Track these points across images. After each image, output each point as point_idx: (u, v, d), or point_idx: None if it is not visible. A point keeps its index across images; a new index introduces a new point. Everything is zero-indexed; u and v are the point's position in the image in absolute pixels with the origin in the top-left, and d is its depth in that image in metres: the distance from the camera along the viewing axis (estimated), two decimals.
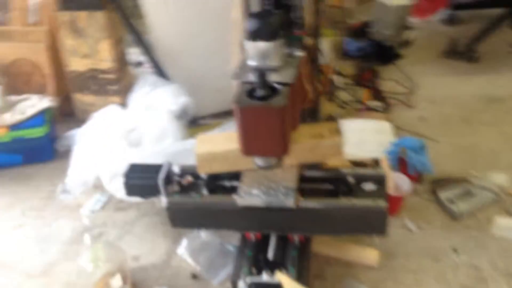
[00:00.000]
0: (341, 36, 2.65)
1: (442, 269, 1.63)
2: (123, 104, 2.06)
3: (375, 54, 2.57)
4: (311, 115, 1.68)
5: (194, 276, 1.65)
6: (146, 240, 1.78)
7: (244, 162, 1.51)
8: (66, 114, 2.24)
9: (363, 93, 2.38)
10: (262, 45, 1.29)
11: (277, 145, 1.32)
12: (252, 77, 1.31)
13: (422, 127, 2.16)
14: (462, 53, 2.63)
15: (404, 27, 2.52)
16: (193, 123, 2.15)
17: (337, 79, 2.42)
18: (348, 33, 2.68)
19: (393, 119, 2.22)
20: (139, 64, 2.43)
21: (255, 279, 1.42)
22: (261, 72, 1.27)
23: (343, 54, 2.65)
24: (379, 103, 2.33)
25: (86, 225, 1.84)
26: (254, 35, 1.28)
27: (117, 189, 1.79)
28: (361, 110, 2.29)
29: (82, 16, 1.95)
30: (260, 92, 1.28)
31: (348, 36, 2.66)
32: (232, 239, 1.73)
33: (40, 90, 2.14)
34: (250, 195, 1.47)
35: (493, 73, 2.52)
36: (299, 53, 1.40)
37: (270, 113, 1.26)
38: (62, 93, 2.19)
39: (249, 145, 1.34)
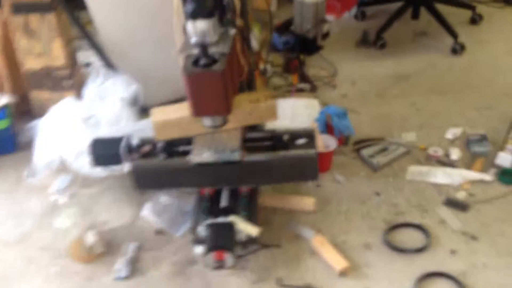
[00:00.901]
0: (268, 33, 2.90)
1: (367, 209, 1.89)
2: (78, 97, 2.20)
3: (299, 46, 2.83)
4: (248, 87, 1.91)
5: (159, 232, 1.82)
6: (112, 209, 1.93)
7: (194, 128, 1.71)
8: (23, 113, 2.33)
9: (292, 78, 2.64)
10: (201, 23, 1.50)
11: (221, 104, 1.53)
12: (194, 51, 1.52)
13: (344, 102, 2.43)
14: (372, 42, 2.95)
15: (321, 21, 2.80)
16: (143, 111, 2.30)
17: (269, 68, 2.67)
18: (274, 30, 2.94)
19: (319, 97, 2.49)
20: (88, 64, 2.56)
21: (212, 221, 1.61)
22: (202, 45, 1.48)
23: (272, 48, 2.91)
24: (307, 85, 2.60)
25: (54, 201, 1.96)
26: (194, 15, 1.49)
27: (82, 166, 1.92)
28: (291, 91, 2.54)
29: (34, 19, 2.08)
30: (202, 61, 1.49)
31: (275, 32, 2.92)
32: (189, 201, 1.92)
33: None
34: (202, 154, 1.67)
35: (399, 56, 2.84)
36: (232, 30, 1.63)
37: (213, 76, 1.47)
38: (18, 92, 2.29)
39: (198, 107, 1.54)
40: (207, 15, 1.48)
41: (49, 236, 1.82)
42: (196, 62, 1.49)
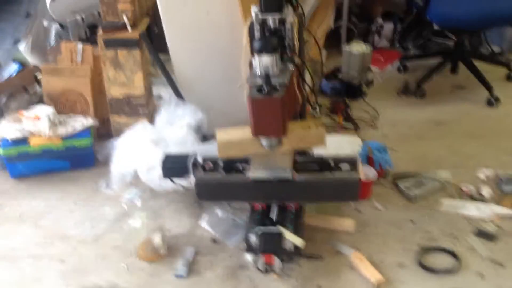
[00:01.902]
0: (317, 80, 3.11)
1: (402, 234, 2.00)
2: (151, 123, 2.45)
3: (345, 91, 3.03)
4: (300, 118, 2.10)
5: (214, 241, 1.99)
6: (174, 219, 2.11)
7: (253, 148, 1.89)
8: (102, 136, 2.60)
9: (338, 118, 2.82)
10: (266, 57, 1.72)
11: (278, 126, 1.71)
12: (259, 81, 1.74)
13: (385, 141, 2.54)
14: (413, 91, 3.11)
15: (366, 69, 3.00)
16: (204, 139, 2.52)
17: (318, 109, 2.86)
18: (323, 77, 3.15)
19: (362, 136, 2.65)
20: (159, 97, 2.84)
21: (263, 229, 1.76)
22: (266, 75, 1.69)
23: (320, 92, 3.11)
24: (351, 125, 2.77)
25: (126, 210, 2.17)
26: (260, 51, 1.72)
27: (151, 180, 2.14)
28: (337, 129, 2.72)
29: (122, 53, 2.37)
30: (265, 89, 1.70)
31: (323, 78, 3.13)
32: (241, 216, 2.09)
33: (83, 114, 2.53)
34: (258, 171, 1.85)
35: (437, 105, 2.98)
36: (291, 66, 1.84)
37: (273, 101, 1.67)
38: (100, 116, 2.58)
39: (258, 128, 1.73)
40: (271, 51, 1.70)
41: (120, 238, 2.02)
42: (259, 90, 1.70)
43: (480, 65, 3.10)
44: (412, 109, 2.96)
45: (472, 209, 2.07)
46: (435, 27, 3.44)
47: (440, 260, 1.85)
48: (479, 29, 3.22)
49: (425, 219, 2.06)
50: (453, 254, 1.86)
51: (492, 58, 3.37)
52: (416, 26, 3.70)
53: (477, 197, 2.15)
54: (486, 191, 2.16)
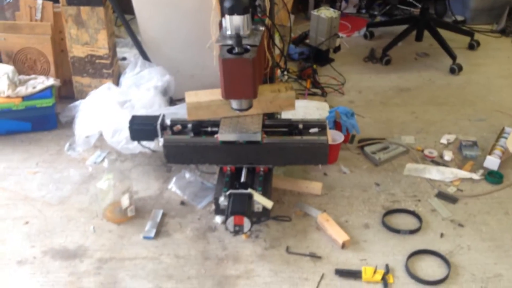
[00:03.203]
0: (286, 44, 3.10)
1: (368, 196, 2.05)
2: (116, 85, 2.38)
3: (313, 56, 3.03)
4: (269, 80, 2.09)
5: (183, 203, 1.98)
6: (141, 182, 2.09)
7: (222, 110, 1.88)
8: (64, 97, 2.52)
9: (306, 83, 2.82)
10: (236, 18, 1.69)
11: (249, 88, 1.70)
12: (229, 42, 1.71)
13: (351, 107, 2.58)
14: (379, 58, 3.14)
15: (334, 35, 3.00)
16: (171, 103, 2.49)
17: (285, 74, 2.86)
18: (291, 41, 3.14)
19: (329, 101, 2.67)
20: (123, 58, 2.76)
21: (232, 191, 1.77)
22: (237, 36, 1.66)
23: (288, 57, 3.10)
24: (318, 90, 2.78)
25: (91, 172, 2.13)
26: (231, 11, 1.68)
27: (117, 142, 2.09)
28: (304, 95, 2.73)
29: (85, 11, 2.27)
30: (236, 50, 1.67)
31: (291, 44, 3.12)
32: (209, 180, 2.09)
33: (43, 74, 2.43)
34: (227, 133, 1.84)
35: (402, 72, 3.03)
36: (261, 28, 1.82)
37: (244, 63, 1.65)
38: (62, 77, 2.48)
39: (229, 90, 1.72)
40: (242, 11, 1.67)
41: (86, 200, 1.99)
42: (230, 51, 1.68)
43: (444, 33, 3.16)
44: (378, 75, 2.99)
45: (434, 173, 2.14)
46: None
47: (403, 221, 1.91)
48: None
49: (389, 182, 2.12)
50: (415, 215, 1.93)
51: (456, 27, 3.43)
52: None
53: (440, 162, 2.23)
54: (448, 156, 2.24)
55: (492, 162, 2.16)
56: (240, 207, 1.71)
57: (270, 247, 1.79)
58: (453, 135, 2.39)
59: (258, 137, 1.81)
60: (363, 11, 3.75)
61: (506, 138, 2.26)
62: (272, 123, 1.95)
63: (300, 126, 1.92)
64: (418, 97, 2.76)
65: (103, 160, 2.17)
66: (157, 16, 2.41)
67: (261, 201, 1.76)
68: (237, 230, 1.72)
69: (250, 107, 1.82)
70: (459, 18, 3.60)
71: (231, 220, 1.70)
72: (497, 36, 3.45)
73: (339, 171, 2.18)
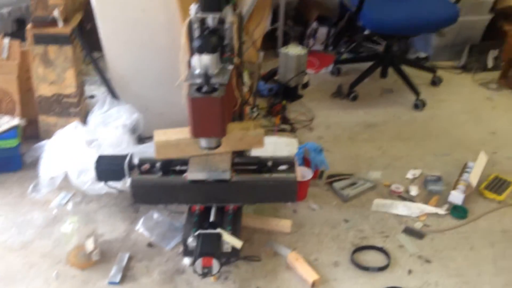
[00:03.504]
0: (254, 81, 3.14)
1: (337, 232, 2.05)
2: (83, 124, 2.35)
3: (282, 93, 3.07)
4: (239, 118, 2.10)
5: (150, 245, 1.94)
6: (108, 224, 2.05)
7: (191, 149, 1.88)
8: (30, 137, 2.45)
9: (275, 120, 2.85)
10: (205, 57, 1.71)
11: (217, 127, 1.71)
12: (198, 80, 1.72)
13: (320, 143, 2.60)
14: (346, 94, 3.21)
15: (302, 72, 3.06)
16: (140, 141, 2.46)
17: (255, 111, 2.89)
18: (260, 78, 3.18)
19: (298, 137, 2.69)
20: (91, 96, 2.74)
21: (201, 231, 1.74)
22: (206, 75, 1.68)
23: (258, 93, 3.14)
24: (287, 126, 2.81)
25: (55, 214, 2.07)
26: (200, 50, 1.70)
27: (83, 183, 2.05)
28: (274, 131, 2.75)
29: (53, 49, 2.26)
30: (204, 89, 1.68)
31: (261, 80, 3.16)
32: (178, 219, 2.06)
33: (9, 114, 2.38)
34: (196, 172, 1.83)
35: (368, 107, 3.09)
36: (230, 66, 1.84)
37: (213, 101, 1.66)
38: (27, 116, 2.43)
39: (197, 129, 1.72)
40: (211, 51, 1.69)
41: (50, 245, 1.93)
42: (198, 89, 1.69)
43: (407, 70, 3.26)
44: (345, 111, 3.05)
45: (401, 208, 2.17)
46: (366, 32, 3.57)
47: (372, 258, 1.92)
48: (407, 35, 3.37)
49: (358, 218, 2.14)
50: (384, 252, 1.94)
51: (419, 64, 3.55)
52: (348, 30, 3.83)
53: (406, 197, 2.26)
54: (414, 191, 2.27)
55: (456, 197, 2.21)
56: (209, 248, 1.69)
57: None
58: (419, 170, 2.44)
59: (227, 175, 1.81)
60: (330, 48, 3.85)
61: (469, 172, 2.32)
62: (241, 161, 1.96)
63: (269, 163, 1.93)
64: (384, 133, 2.82)
65: (67, 202, 2.12)
66: (126, 54, 2.41)
67: (230, 241, 1.75)
68: (206, 272, 1.69)
69: (218, 145, 1.82)
70: (422, 55, 3.72)
71: (199, 262, 1.67)
72: (459, 73, 3.57)
73: (309, 208, 2.19)
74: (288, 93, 3.09)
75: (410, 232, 2.05)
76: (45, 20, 2.26)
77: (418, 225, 2.09)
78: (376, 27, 2.98)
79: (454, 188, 2.25)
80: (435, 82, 3.39)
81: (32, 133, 2.50)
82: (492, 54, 3.57)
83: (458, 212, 2.15)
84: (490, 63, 3.57)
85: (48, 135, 2.37)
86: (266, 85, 3.13)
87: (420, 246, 1.98)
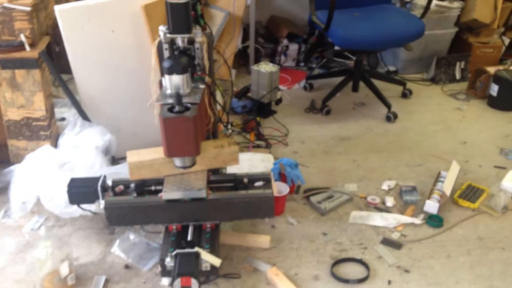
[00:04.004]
0: (227, 99, 3.15)
1: (316, 246, 2.06)
2: (54, 147, 2.32)
3: (256, 109, 3.09)
4: (213, 136, 2.10)
5: (127, 267, 1.91)
6: (83, 247, 2.00)
7: (166, 169, 1.87)
8: None
9: (250, 136, 2.87)
10: (176, 77, 1.72)
11: (191, 146, 1.71)
12: (169, 100, 1.72)
13: (295, 158, 2.63)
14: (319, 109, 3.25)
15: (275, 88, 3.09)
16: (113, 162, 2.44)
17: (229, 128, 2.90)
18: (233, 95, 3.20)
19: (273, 153, 2.71)
20: (62, 119, 2.70)
21: (179, 250, 1.73)
22: (178, 95, 1.68)
23: (231, 111, 3.16)
24: (262, 143, 2.82)
25: (28, 239, 2.02)
26: (170, 71, 1.71)
27: (56, 207, 2.01)
28: (249, 147, 2.76)
29: (20, 74, 2.23)
30: (177, 109, 1.69)
31: (234, 97, 3.18)
32: (155, 239, 2.04)
33: None
34: (171, 191, 1.82)
35: (341, 121, 3.13)
36: (202, 85, 1.85)
37: (186, 121, 1.66)
38: None
39: (171, 149, 1.71)
40: (181, 71, 1.70)
41: (23, 271, 1.88)
42: (171, 109, 1.69)
43: (378, 83, 3.33)
44: (319, 125, 3.09)
45: (378, 219, 2.19)
46: (336, 48, 3.65)
47: (352, 270, 1.93)
48: (375, 50, 3.45)
49: (336, 231, 2.15)
50: (363, 263, 1.95)
51: (389, 77, 3.63)
52: (318, 46, 3.89)
53: (382, 208, 2.29)
54: (390, 202, 2.30)
55: (431, 206, 2.25)
56: (187, 268, 1.67)
57: None
58: (393, 181, 2.47)
59: (203, 193, 1.81)
60: (302, 64, 3.91)
61: (442, 182, 2.36)
62: (217, 179, 1.95)
63: (245, 180, 1.94)
64: (358, 145, 2.86)
65: (40, 226, 2.07)
66: (96, 75, 2.40)
67: (208, 259, 1.73)
68: None
69: (193, 164, 1.82)
70: (392, 68, 3.81)
71: (178, 282, 1.65)
72: (428, 84, 3.66)
73: (287, 223, 2.19)
74: (262, 109, 3.12)
75: (388, 242, 2.07)
76: (12, 44, 2.23)
77: (395, 236, 2.11)
78: (345, 44, 3.04)
79: (428, 197, 2.29)
80: (406, 94, 3.46)
81: (1, 157, 2.44)
82: (459, 66, 3.69)
83: (434, 221, 2.18)
84: (457, 75, 3.68)
85: (18, 159, 2.32)
86: (240, 102, 3.15)
87: (399, 256, 2.00)
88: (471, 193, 2.37)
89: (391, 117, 3.13)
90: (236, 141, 1.97)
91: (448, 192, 2.29)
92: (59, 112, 2.69)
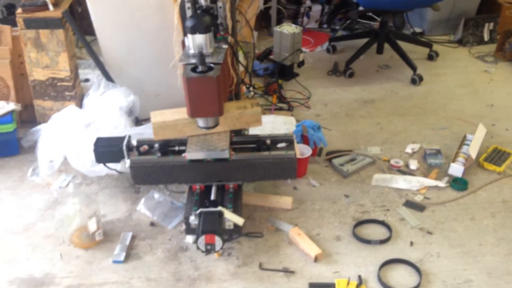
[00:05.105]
0: (251, 61, 3.13)
1: (338, 207, 2.07)
2: (79, 107, 2.35)
3: (278, 72, 3.07)
4: (235, 97, 2.10)
5: (152, 224, 1.96)
6: (109, 204, 2.06)
7: (189, 129, 1.88)
8: (26, 121, 2.46)
9: (272, 99, 2.85)
10: (199, 37, 1.70)
11: (215, 106, 1.71)
12: (193, 60, 1.71)
13: (318, 120, 2.62)
14: (342, 71, 3.21)
15: (297, 50, 3.05)
16: (137, 123, 2.46)
17: (251, 90, 2.88)
18: (255, 58, 3.17)
19: (295, 115, 2.70)
20: (86, 80, 2.72)
21: (203, 209, 1.75)
22: (201, 54, 1.67)
23: (253, 73, 3.13)
24: (284, 105, 2.81)
25: (56, 197, 2.08)
26: (193, 30, 1.70)
27: (82, 166, 2.06)
28: (271, 110, 2.75)
29: (44, 34, 2.25)
30: (200, 69, 1.68)
31: (255, 60, 3.15)
32: (179, 199, 2.07)
33: (3, 99, 2.37)
34: (195, 152, 1.83)
35: (365, 84, 3.10)
36: (224, 45, 1.83)
37: (209, 81, 1.65)
38: (23, 101, 2.43)
39: (195, 109, 1.72)
40: (204, 30, 1.68)
41: (52, 227, 1.93)
42: (194, 69, 1.68)
43: (403, 45, 3.25)
44: (342, 88, 3.05)
45: (401, 182, 2.18)
46: (360, 8, 3.56)
47: (373, 231, 1.94)
48: (401, 10, 3.36)
49: (358, 193, 2.15)
50: (385, 225, 1.96)
51: (415, 39, 3.54)
52: (342, 7, 3.81)
53: (406, 171, 2.27)
54: (413, 165, 2.29)
55: (456, 169, 2.22)
56: (211, 226, 1.70)
57: (243, 264, 1.79)
58: (417, 144, 2.45)
59: (226, 154, 1.82)
60: (325, 26, 3.83)
61: (468, 145, 2.33)
62: (240, 140, 1.96)
63: (268, 141, 1.94)
64: (382, 109, 2.82)
65: (68, 184, 2.12)
66: (118, 36, 2.39)
67: (232, 218, 1.76)
68: (209, 249, 1.70)
69: (216, 124, 1.82)
70: (418, 30, 3.72)
71: (202, 239, 1.68)
72: (455, 46, 3.57)
73: (309, 185, 2.20)
74: (284, 72, 3.09)
75: (410, 205, 2.07)
76: (35, 4, 2.24)
77: (418, 198, 2.10)
78: (370, 3, 2.97)
79: (453, 160, 2.26)
80: (432, 56, 3.38)
81: (28, 117, 2.49)
82: (487, 27, 3.57)
83: (458, 184, 2.17)
84: (486, 36, 3.57)
85: (44, 119, 2.37)
86: (262, 65, 3.13)
87: (421, 219, 2.00)
88: (497, 156, 2.33)
89: (416, 80, 3.07)
90: (259, 103, 1.96)
91: (473, 155, 2.26)
92: (82, 73, 2.70)
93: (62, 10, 2.27)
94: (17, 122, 2.32)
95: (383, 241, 1.88)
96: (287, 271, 1.76)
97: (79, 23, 2.49)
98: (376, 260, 1.80)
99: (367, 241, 1.88)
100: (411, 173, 2.26)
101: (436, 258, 1.82)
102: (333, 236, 1.91)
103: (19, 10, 2.26)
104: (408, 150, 2.42)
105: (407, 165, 2.31)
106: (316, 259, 1.79)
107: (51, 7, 2.24)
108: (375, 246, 1.87)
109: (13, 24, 2.36)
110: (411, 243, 1.88)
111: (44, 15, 2.23)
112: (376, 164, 2.32)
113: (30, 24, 2.22)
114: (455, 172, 2.23)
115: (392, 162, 2.31)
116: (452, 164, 2.24)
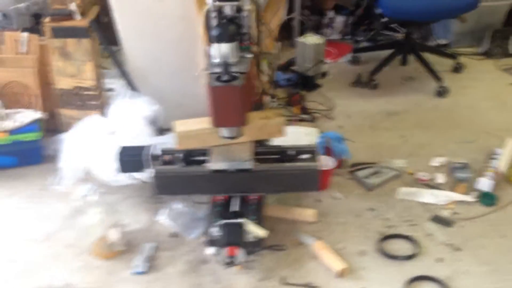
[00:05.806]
0: (273, 72, 3.09)
1: (362, 221, 2.00)
2: (103, 116, 2.33)
3: (300, 83, 3.03)
4: (258, 108, 2.06)
5: (174, 235, 1.92)
6: (131, 214, 2.03)
7: (212, 139, 1.84)
8: (50, 130, 2.45)
9: (294, 110, 2.81)
10: (224, 46, 1.67)
11: (238, 116, 1.67)
12: (217, 69, 1.68)
13: (341, 132, 2.55)
14: (365, 83, 3.15)
15: (320, 61, 3.01)
16: (160, 132, 2.44)
17: (274, 100, 2.84)
18: (278, 68, 3.14)
19: (318, 127, 2.65)
20: (110, 89, 2.72)
21: (225, 221, 1.71)
22: (225, 63, 1.64)
23: (275, 84, 3.09)
24: (307, 116, 2.76)
25: (78, 206, 2.05)
26: (219, 39, 1.67)
27: (106, 174, 2.03)
28: (293, 121, 2.71)
29: (71, 43, 2.25)
30: (224, 78, 1.64)
31: (278, 70, 3.11)
32: (201, 209, 2.03)
33: (30, 108, 2.38)
34: (218, 162, 1.80)
35: (389, 96, 3.03)
36: (249, 55, 1.80)
37: (233, 90, 1.62)
38: (48, 110, 2.43)
39: (218, 118, 1.68)
40: (229, 39, 1.65)
41: (74, 236, 1.92)
42: (218, 78, 1.65)
43: (428, 57, 3.18)
44: (365, 100, 2.99)
45: (428, 196, 2.11)
46: (384, 19, 3.50)
47: (400, 246, 1.87)
48: (426, 21, 3.29)
49: (383, 207, 2.08)
50: (411, 240, 1.89)
51: (440, 50, 3.46)
52: (366, 19, 3.75)
53: (432, 185, 2.20)
54: (440, 178, 2.21)
55: (485, 184, 2.14)
56: (233, 238, 1.65)
57: (264, 278, 1.73)
58: (444, 158, 2.37)
59: (249, 165, 1.77)
60: (348, 37, 3.78)
61: (497, 159, 2.24)
62: (263, 150, 1.91)
63: (291, 152, 1.89)
64: (406, 121, 2.75)
65: (90, 193, 2.11)
66: (144, 46, 2.38)
67: (254, 230, 1.71)
68: (230, 262, 1.66)
69: (240, 135, 1.78)
70: (443, 41, 3.64)
71: (224, 251, 1.64)
72: (481, 59, 3.47)
73: (332, 197, 2.14)
74: (307, 83, 3.04)
75: (438, 220, 1.99)
76: (63, 13, 2.24)
77: (446, 213, 2.03)
78: (395, 14, 2.91)
79: (482, 175, 2.18)
80: (457, 68, 3.30)
81: (52, 126, 2.48)
82: None
83: (487, 199, 2.08)
84: None
85: (69, 127, 2.35)
86: (284, 75, 3.08)
87: (449, 234, 1.92)
88: None
89: (442, 92, 2.99)
90: (282, 113, 1.91)
91: (504, 169, 2.17)
92: (106, 83, 2.70)
93: (89, 19, 2.27)
94: (42, 131, 2.32)
95: (409, 257, 1.81)
96: (311, 286, 1.70)
97: (104, 33, 2.49)
98: (402, 277, 1.72)
99: (393, 257, 1.81)
100: (438, 187, 2.18)
101: (464, 276, 1.73)
102: (357, 251, 1.85)
103: (47, 19, 2.27)
104: (434, 163, 2.34)
105: (433, 179, 2.23)
106: (340, 274, 1.73)
107: (78, 16, 2.25)
108: (402, 262, 1.79)
109: (40, 33, 2.37)
110: (439, 260, 1.80)
111: (71, 24, 2.24)
112: (401, 178, 2.25)
113: (58, 33, 2.22)
114: (484, 186, 2.14)
115: (419, 175, 2.24)
116: (481, 179, 2.15)
